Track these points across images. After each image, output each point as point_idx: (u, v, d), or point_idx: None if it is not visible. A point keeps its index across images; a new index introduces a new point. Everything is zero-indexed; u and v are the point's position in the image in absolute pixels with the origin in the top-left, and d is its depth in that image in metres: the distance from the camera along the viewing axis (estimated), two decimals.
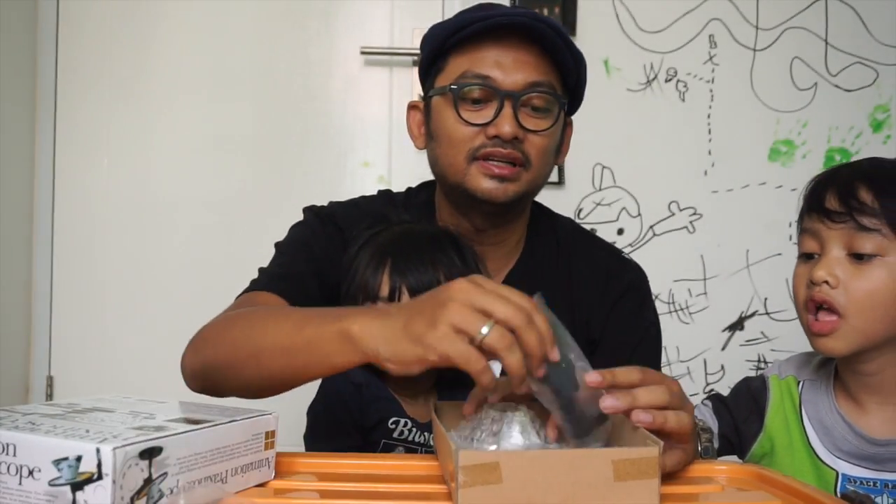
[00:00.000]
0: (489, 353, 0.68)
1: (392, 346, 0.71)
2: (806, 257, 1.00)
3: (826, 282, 0.94)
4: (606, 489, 0.64)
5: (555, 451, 0.70)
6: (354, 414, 0.98)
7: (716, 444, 1.04)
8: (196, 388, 0.97)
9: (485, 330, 0.67)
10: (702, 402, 1.10)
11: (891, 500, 0.97)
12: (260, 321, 0.87)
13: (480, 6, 1.12)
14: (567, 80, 1.09)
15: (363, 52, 2.05)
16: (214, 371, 0.91)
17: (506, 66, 1.04)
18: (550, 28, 1.04)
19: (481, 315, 0.68)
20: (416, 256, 0.99)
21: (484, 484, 0.63)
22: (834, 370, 1.05)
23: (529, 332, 0.68)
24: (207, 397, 0.92)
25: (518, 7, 1.09)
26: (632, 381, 0.76)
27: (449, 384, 1.03)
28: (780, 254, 2.10)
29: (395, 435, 0.98)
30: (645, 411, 0.73)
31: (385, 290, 0.98)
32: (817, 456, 1.01)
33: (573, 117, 1.18)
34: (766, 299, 2.11)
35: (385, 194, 1.22)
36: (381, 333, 0.72)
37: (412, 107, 1.18)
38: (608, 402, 0.73)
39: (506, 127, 1.02)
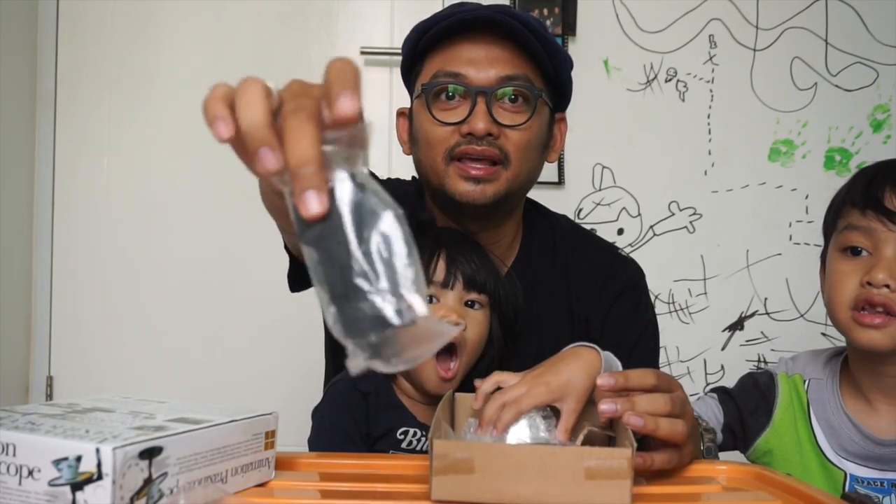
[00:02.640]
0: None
1: None
2: (851, 253, 0.97)
3: (887, 285, 0.93)
4: (577, 486, 0.65)
5: (527, 446, 0.72)
6: (361, 423, 0.97)
7: (720, 439, 1.04)
8: None
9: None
10: (707, 395, 1.10)
11: None
12: None
13: (454, 5, 1.10)
14: (545, 73, 1.07)
15: (363, 52, 2.05)
16: None
17: (478, 63, 1.03)
18: (518, 21, 1.02)
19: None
20: (469, 250, 1.00)
21: (456, 473, 0.65)
22: (840, 367, 1.05)
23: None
24: (207, 398, 0.92)
25: (502, 5, 1.08)
26: (644, 385, 0.76)
27: (463, 385, 1.03)
28: (779, 254, 2.10)
29: (404, 445, 0.97)
30: (637, 415, 0.73)
31: (441, 275, 0.97)
32: (825, 456, 1.01)
33: (568, 114, 1.17)
34: (766, 299, 2.11)
35: (396, 182, 1.22)
36: None
37: (400, 113, 1.17)
38: (606, 407, 0.73)
39: (479, 123, 1.00)
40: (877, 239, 0.94)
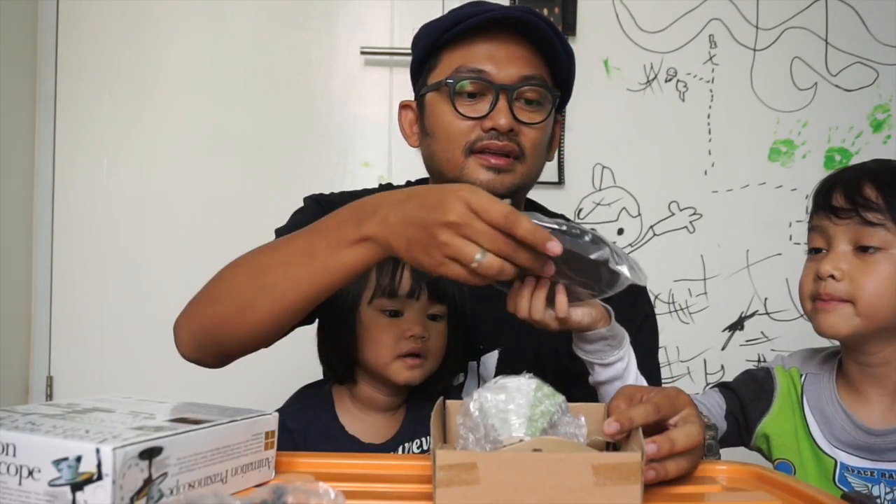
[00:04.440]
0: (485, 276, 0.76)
1: (407, 252, 0.79)
2: (814, 252, 1.03)
3: (832, 276, 0.98)
4: (586, 493, 0.63)
5: (534, 453, 0.69)
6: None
7: (723, 427, 1.06)
8: (194, 354, 0.97)
9: (478, 257, 0.74)
10: (708, 390, 1.13)
11: (888, 489, 0.99)
12: (263, 257, 0.89)
13: (471, 3, 1.13)
14: (557, 74, 1.11)
15: (363, 52, 2.05)
16: (218, 325, 0.92)
17: (499, 60, 1.06)
18: (543, 22, 1.06)
19: (474, 244, 0.74)
20: None
21: (461, 484, 0.63)
22: (837, 364, 1.08)
23: (518, 254, 0.75)
24: (207, 398, 0.92)
25: (514, 4, 1.12)
26: (648, 419, 0.75)
27: (421, 396, 1.05)
28: (779, 254, 2.10)
29: None
30: (653, 440, 0.72)
31: (406, 287, 0.99)
32: (817, 445, 1.04)
33: (569, 115, 1.20)
34: (766, 299, 2.11)
35: (387, 188, 1.24)
36: (397, 239, 0.79)
37: (403, 106, 1.19)
38: (651, 448, 0.71)
39: (501, 119, 1.04)
40: (829, 235, 1.00)
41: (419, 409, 1.02)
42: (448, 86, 1.07)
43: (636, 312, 1.14)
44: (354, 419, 1.04)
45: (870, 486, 0.99)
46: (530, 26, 1.05)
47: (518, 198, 1.13)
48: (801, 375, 1.08)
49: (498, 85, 1.05)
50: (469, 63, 1.07)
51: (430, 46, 1.11)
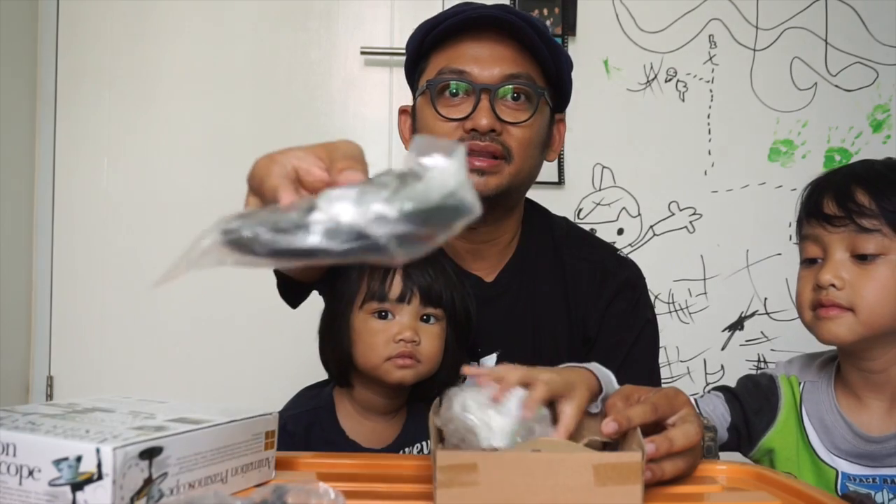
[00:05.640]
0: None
1: None
2: (809, 262, 1.02)
3: (833, 285, 0.97)
4: (587, 494, 0.63)
5: (534, 454, 0.69)
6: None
7: (724, 438, 1.05)
8: None
9: None
10: (712, 393, 1.11)
11: (891, 496, 0.98)
12: None
13: (459, 4, 1.12)
14: (547, 73, 1.09)
15: (363, 52, 2.05)
16: None
17: (482, 61, 1.06)
18: (522, 20, 1.05)
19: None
20: (424, 262, 0.98)
21: (462, 485, 0.63)
22: (835, 370, 1.07)
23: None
24: (207, 398, 0.92)
25: (511, 5, 1.11)
26: (646, 418, 0.75)
27: (422, 399, 1.04)
28: (779, 254, 2.10)
29: None
30: (651, 439, 0.72)
31: (397, 290, 0.98)
32: (817, 455, 1.03)
33: (568, 114, 1.18)
34: (765, 299, 2.11)
35: None
36: None
37: (402, 111, 1.19)
38: (650, 448, 0.71)
39: (482, 120, 1.03)
40: (824, 243, 0.99)
41: (420, 413, 1.02)
42: (429, 87, 1.07)
43: (636, 318, 1.14)
44: (355, 423, 1.03)
45: (872, 492, 0.99)
46: (509, 25, 1.04)
47: (511, 198, 1.11)
48: (800, 384, 1.07)
49: (479, 85, 1.05)
50: (452, 64, 1.07)
51: (418, 49, 1.11)
